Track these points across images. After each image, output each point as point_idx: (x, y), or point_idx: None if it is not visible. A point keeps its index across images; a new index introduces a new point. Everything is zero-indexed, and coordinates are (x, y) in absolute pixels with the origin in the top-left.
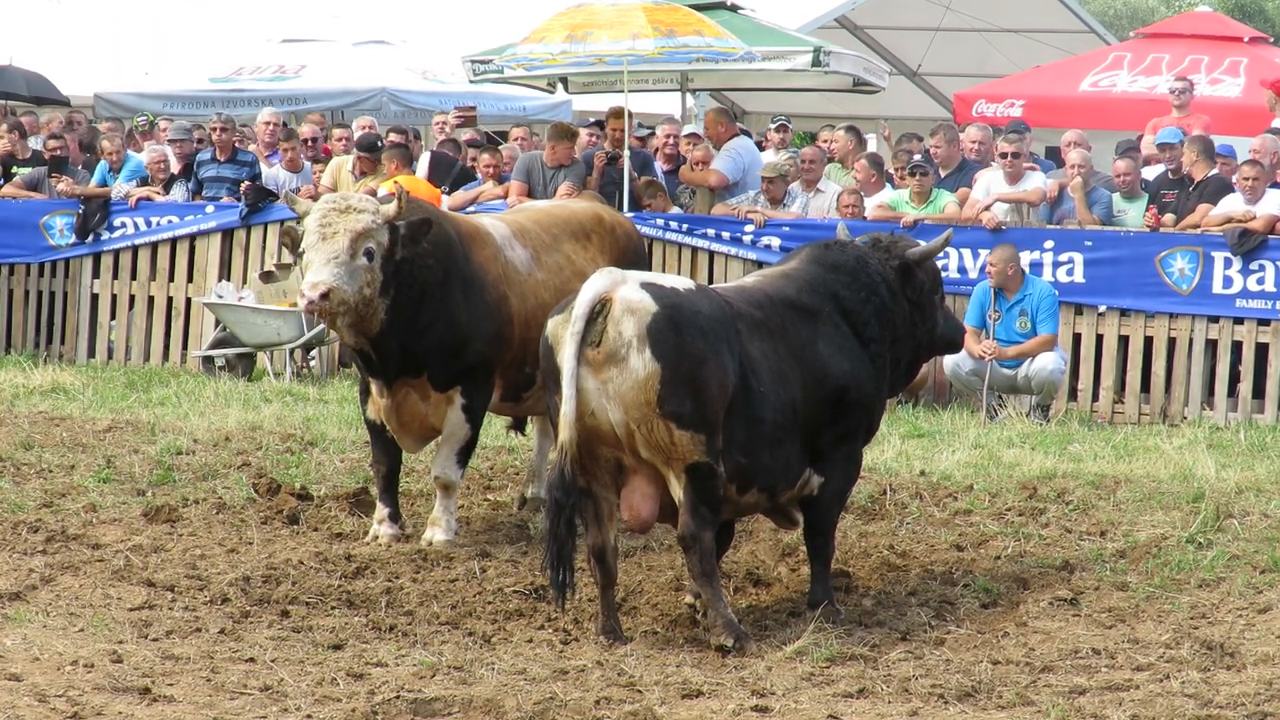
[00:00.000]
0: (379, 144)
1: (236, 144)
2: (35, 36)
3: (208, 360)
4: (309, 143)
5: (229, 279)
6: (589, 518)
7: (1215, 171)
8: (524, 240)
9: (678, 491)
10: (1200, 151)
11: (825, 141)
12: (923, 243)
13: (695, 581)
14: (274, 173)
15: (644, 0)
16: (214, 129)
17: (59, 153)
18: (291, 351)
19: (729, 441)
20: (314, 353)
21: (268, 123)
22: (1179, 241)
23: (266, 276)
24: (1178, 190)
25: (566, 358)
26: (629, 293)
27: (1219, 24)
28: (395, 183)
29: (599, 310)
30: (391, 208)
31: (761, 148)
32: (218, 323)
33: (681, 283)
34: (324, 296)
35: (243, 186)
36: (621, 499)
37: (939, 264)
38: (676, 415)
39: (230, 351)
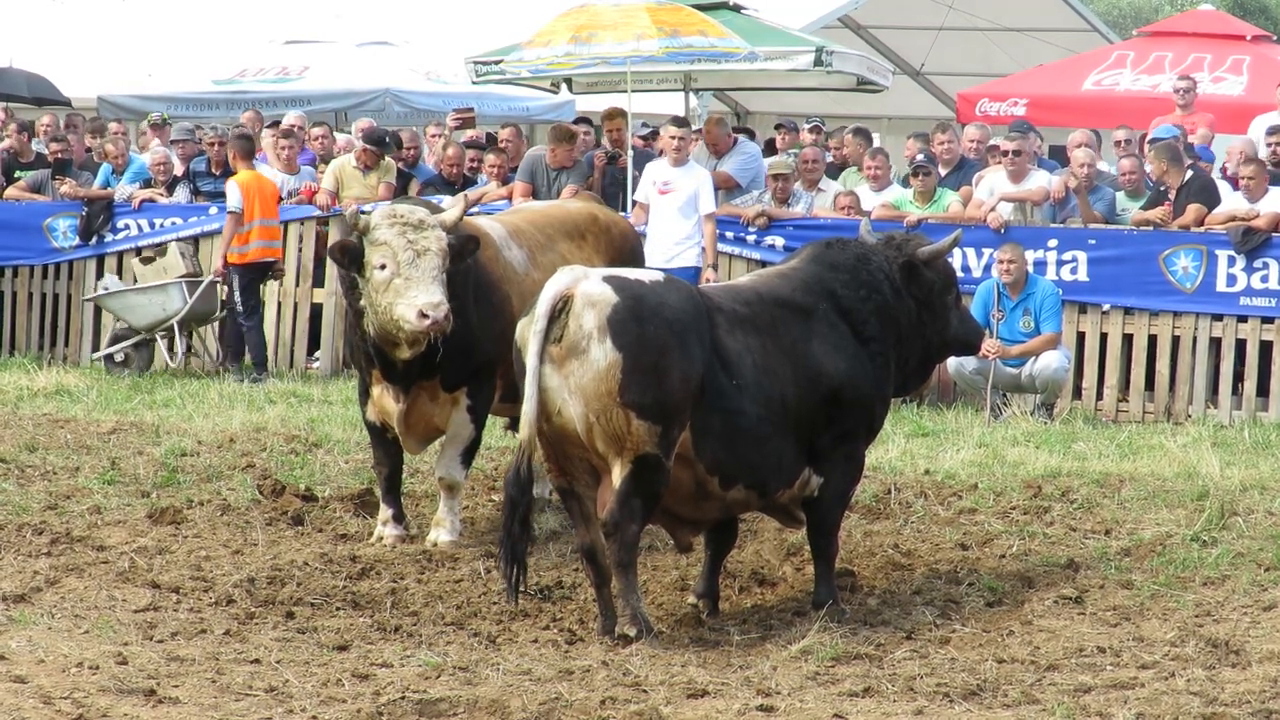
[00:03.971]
0: (386, 139)
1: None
2: (37, 38)
3: (109, 359)
4: (320, 141)
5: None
6: (576, 517)
7: (1191, 173)
8: (520, 240)
9: (617, 480)
10: (1169, 160)
11: (834, 145)
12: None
13: (612, 568)
14: (272, 174)
15: (647, 0)
16: (210, 144)
17: (61, 155)
18: (183, 330)
19: (705, 432)
20: (318, 354)
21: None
22: (1183, 240)
23: (145, 261)
24: (1161, 198)
25: (530, 356)
26: (590, 286)
27: (1222, 22)
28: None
29: (561, 307)
30: (450, 216)
31: (775, 149)
32: (108, 317)
33: (648, 275)
34: (446, 316)
35: None
36: (597, 498)
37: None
38: (637, 405)
39: (129, 344)
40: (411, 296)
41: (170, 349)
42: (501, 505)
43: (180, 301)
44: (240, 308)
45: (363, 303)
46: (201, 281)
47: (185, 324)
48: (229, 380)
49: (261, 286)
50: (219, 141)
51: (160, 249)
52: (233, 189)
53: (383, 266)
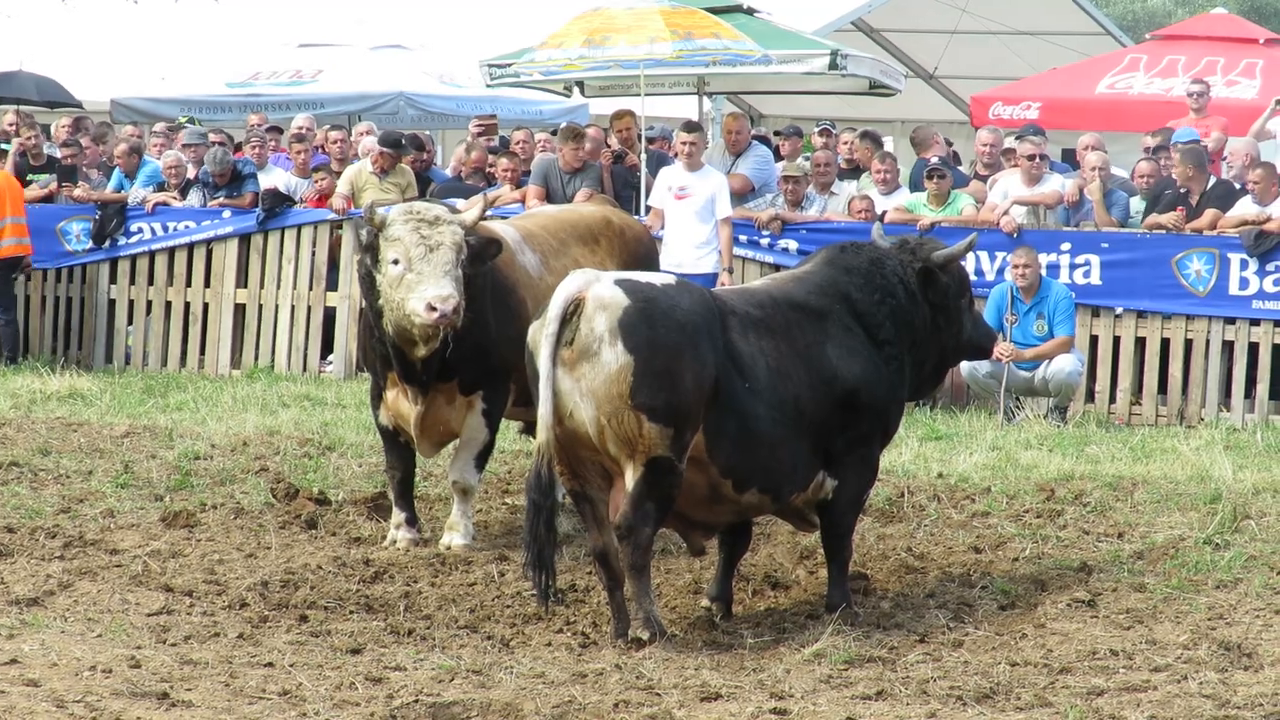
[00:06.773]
0: (402, 141)
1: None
2: (49, 42)
3: None
4: (338, 145)
5: (246, 284)
6: (588, 520)
7: (1213, 179)
8: (533, 245)
9: (629, 483)
10: (1195, 165)
11: (847, 143)
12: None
13: (625, 572)
14: (287, 178)
15: (661, 3)
16: (214, 175)
17: (70, 161)
18: None
19: (719, 434)
20: (331, 358)
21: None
22: (1195, 243)
23: None
24: (1179, 202)
25: (542, 360)
26: (601, 290)
27: (1235, 25)
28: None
29: (573, 310)
30: (470, 216)
31: (780, 154)
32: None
33: (660, 278)
34: (455, 310)
35: (260, 192)
36: (610, 501)
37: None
38: (649, 408)
39: None
40: (421, 290)
41: None
42: (516, 509)
43: None
44: None
45: (381, 301)
46: None
47: None
48: None
49: (14, 281)
50: (218, 172)
51: None
52: None
53: (395, 261)
